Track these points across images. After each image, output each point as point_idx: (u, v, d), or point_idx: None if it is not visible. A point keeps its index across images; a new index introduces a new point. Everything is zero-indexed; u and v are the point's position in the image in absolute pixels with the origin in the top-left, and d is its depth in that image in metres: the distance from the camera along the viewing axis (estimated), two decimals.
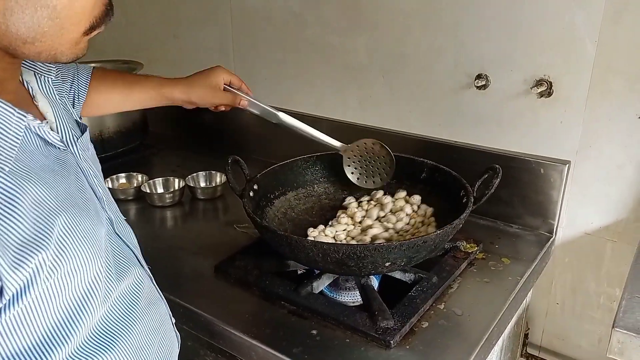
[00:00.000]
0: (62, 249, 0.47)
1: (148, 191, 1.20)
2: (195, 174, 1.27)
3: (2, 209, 0.42)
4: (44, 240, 0.45)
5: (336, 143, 0.97)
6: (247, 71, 1.41)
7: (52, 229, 0.46)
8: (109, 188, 1.21)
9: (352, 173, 1.00)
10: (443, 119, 1.11)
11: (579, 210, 1.02)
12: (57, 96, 0.62)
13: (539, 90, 0.96)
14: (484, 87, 1.02)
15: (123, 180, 1.27)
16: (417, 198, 0.97)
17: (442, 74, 1.08)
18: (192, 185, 1.23)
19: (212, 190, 1.22)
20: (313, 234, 0.92)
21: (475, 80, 1.02)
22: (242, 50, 1.40)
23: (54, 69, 0.63)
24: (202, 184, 1.27)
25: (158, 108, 1.64)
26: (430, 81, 1.10)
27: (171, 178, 1.25)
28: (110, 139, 1.38)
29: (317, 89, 1.30)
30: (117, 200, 1.19)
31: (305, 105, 1.33)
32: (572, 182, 1.00)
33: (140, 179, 1.27)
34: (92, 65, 0.84)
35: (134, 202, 1.22)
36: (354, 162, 0.99)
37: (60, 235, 0.47)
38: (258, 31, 1.34)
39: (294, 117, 1.32)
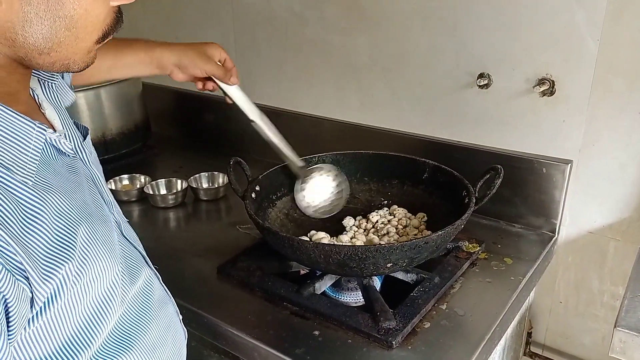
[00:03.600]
0: (85, 258, 0.48)
1: (151, 192, 1.20)
2: (197, 175, 1.27)
3: (30, 223, 0.43)
4: (69, 250, 0.46)
5: (298, 162, 0.95)
6: (249, 72, 1.41)
7: (76, 238, 0.47)
8: (111, 190, 1.22)
9: (303, 198, 0.98)
10: (445, 118, 1.11)
11: (582, 209, 1.01)
12: (60, 101, 0.62)
13: (542, 89, 0.95)
14: (486, 86, 1.02)
15: (126, 182, 1.28)
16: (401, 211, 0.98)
17: (443, 73, 1.08)
18: (194, 186, 1.23)
19: (214, 191, 1.22)
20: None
21: (477, 79, 1.02)
22: (244, 50, 1.40)
23: (57, 75, 0.63)
24: (205, 185, 1.27)
25: (160, 110, 1.65)
26: (432, 80, 1.10)
27: (174, 179, 1.25)
28: (113, 140, 1.39)
29: (317, 89, 1.30)
30: (120, 202, 1.20)
31: (306, 105, 1.33)
32: (575, 181, 1.00)
33: (143, 180, 1.27)
34: None
35: (136, 203, 1.22)
36: (308, 188, 0.98)
37: (83, 244, 0.48)
38: (259, 32, 1.35)
39: (296, 116, 1.34)
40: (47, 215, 0.45)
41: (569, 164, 0.97)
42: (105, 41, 0.51)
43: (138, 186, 1.26)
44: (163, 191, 1.24)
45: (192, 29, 1.50)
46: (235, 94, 0.88)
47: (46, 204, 0.45)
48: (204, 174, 1.28)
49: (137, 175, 1.28)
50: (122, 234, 0.61)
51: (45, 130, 0.49)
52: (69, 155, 0.54)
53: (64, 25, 0.46)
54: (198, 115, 1.58)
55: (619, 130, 0.93)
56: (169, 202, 1.19)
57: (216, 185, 1.26)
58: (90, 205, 0.53)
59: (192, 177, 1.25)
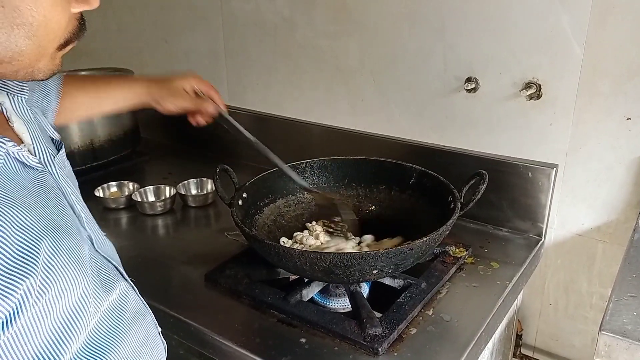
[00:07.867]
0: (48, 273, 0.47)
1: (139, 200, 1.20)
2: (186, 182, 1.26)
3: None
4: (30, 266, 0.45)
5: (303, 183, 0.95)
6: (239, 76, 1.41)
7: (38, 254, 0.46)
8: (100, 197, 1.22)
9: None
10: (433, 122, 1.11)
11: (570, 212, 1.02)
12: (31, 115, 0.61)
13: (528, 92, 0.96)
14: (474, 90, 1.03)
15: (114, 189, 1.27)
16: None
17: (432, 77, 1.08)
18: (183, 193, 1.23)
19: (203, 198, 1.22)
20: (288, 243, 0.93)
21: (465, 83, 1.02)
22: (233, 55, 1.40)
23: (27, 88, 0.62)
24: (194, 192, 1.27)
25: (150, 115, 1.65)
26: (421, 84, 1.10)
27: (162, 186, 1.25)
28: (102, 147, 1.38)
29: (307, 94, 1.30)
30: (108, 210, 1.21)
31: (296, 111, 1.33)
32: (562, 184, 1.00)
33: (131, 187, 1.26)
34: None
35: (125, 210, 1.21)
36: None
37: (46, 260, 0.46)
38: (249, 36, 1.34)
39: (286, 122, 1.33)
40: (8, 229, 0.44)
41: (554, 168, 0.97)
42: (69, 47, 0.50)
43: (126, 193, 1.25)
44: (151, 198, 1.23)
45: (182, 34, 1.50)
46: (224, 121, 0.90)
47: (6, 218, 0.44)
48: (192, 181, 1.27)
49: (126, 182, 1.28)
50: (95, 248, 0.60)
51: (5, 144, 0.48)
52: (37, 169, 0.54)
53: (23, 34, 0.44)
54: (188, 121, 1.57)
55: (605, 133, 0.93)
56: (157, 209, 1.18)
57: (205, 192, 1.26)
58: (57, 219, 0.52)
59: (180, 184, 1.25)
